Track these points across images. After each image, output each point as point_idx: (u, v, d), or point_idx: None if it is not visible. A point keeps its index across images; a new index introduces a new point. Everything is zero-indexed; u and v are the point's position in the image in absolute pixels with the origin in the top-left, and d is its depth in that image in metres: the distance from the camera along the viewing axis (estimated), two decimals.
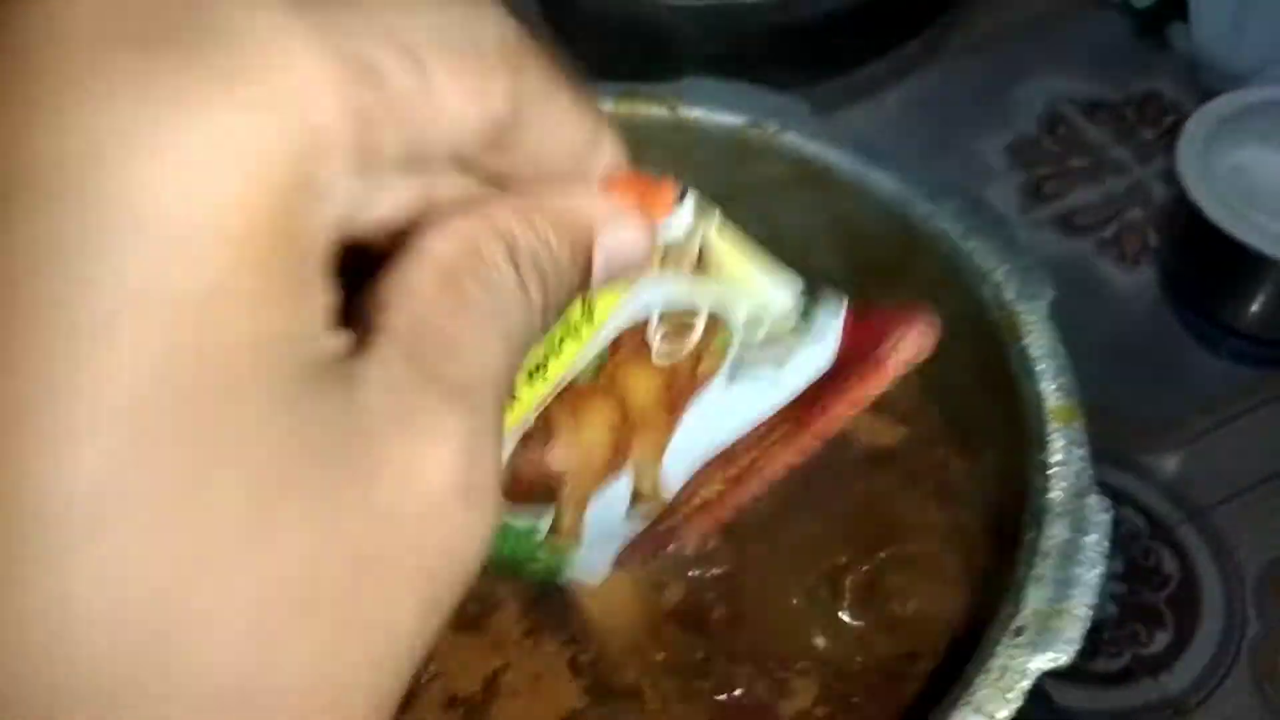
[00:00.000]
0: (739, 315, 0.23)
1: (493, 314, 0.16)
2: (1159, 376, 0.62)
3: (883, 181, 0.41)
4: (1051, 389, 0.34)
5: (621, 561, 0.29)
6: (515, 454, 0.23)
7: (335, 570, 0.13)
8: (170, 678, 0.12)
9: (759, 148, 0.43)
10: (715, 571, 0.39)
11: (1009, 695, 0.28)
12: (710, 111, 0.44)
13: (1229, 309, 0.60)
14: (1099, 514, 0.31)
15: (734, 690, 0.35)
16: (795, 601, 0.38)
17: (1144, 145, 0.71)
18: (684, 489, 0.26)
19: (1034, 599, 0.30)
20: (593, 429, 0.24)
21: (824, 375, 0.25)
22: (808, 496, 0.41)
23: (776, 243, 0.46)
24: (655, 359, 0.23)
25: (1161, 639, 0.53)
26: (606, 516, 0.26)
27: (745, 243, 0.22)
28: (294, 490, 0.13)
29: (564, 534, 0.26)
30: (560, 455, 0.24)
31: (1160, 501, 0.57)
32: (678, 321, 0.23)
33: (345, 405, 0.14)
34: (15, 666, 0.12)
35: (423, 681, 0.36)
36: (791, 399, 0.25)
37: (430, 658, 0.36)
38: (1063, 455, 0.33)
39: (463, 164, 0.17)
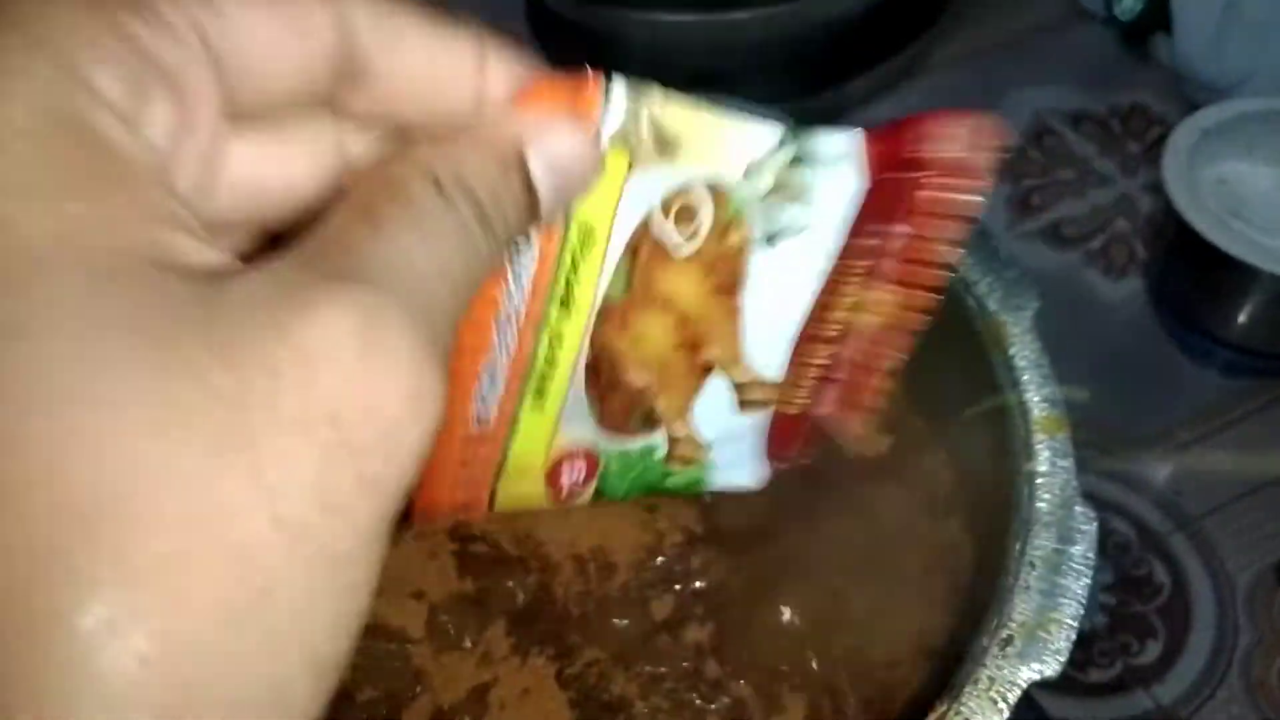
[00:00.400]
0: (734, 173, 0.22)
1: (410, 227, 0.16)
2: (1147, 387, 0.62)
3: None
4: (1036, 400, 0.34)
5: (779, 457, 0.27)
6: (591, 389, 0.23)
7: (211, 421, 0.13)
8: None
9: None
10: (703, 584, 0.38)
11: (999, 706, 0.28)
12: None
13: (1216, 320, 0.60)
14: (1085, 525, 0.31)
15: (723, 703, 0.35)
16: (785, 615, 0.38)
17: (1130, 157, 0.72)
18: (792, 365, 0.25)
19: (1021, 609, 0.30)
20: (652, 337, 0.23)
21: (890, 206, 0.23)
22: (797, 508, 0.41)
23: None
24: (676, 251, 0.22)
25: (1153, 649, 0.53)
26: (718, 417, 0.25)
27: (699, 105, 0.21)
28: (130, 365, 0.13)
29: (683, 445, 0.25)
30: (634, 369, 0.23)
31: (1150, 512, 0.58)
32: (680, 206, 0.21)
33: (201, 296, 0.14)
34: None
35: (410, 696, 0.36)
36: (847, 235, 0.23)
37: (417, 675, 0.36)
38: (1048, 466, 0.33)
39: (350, 115, 0.17)
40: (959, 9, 0.77)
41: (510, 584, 0.39)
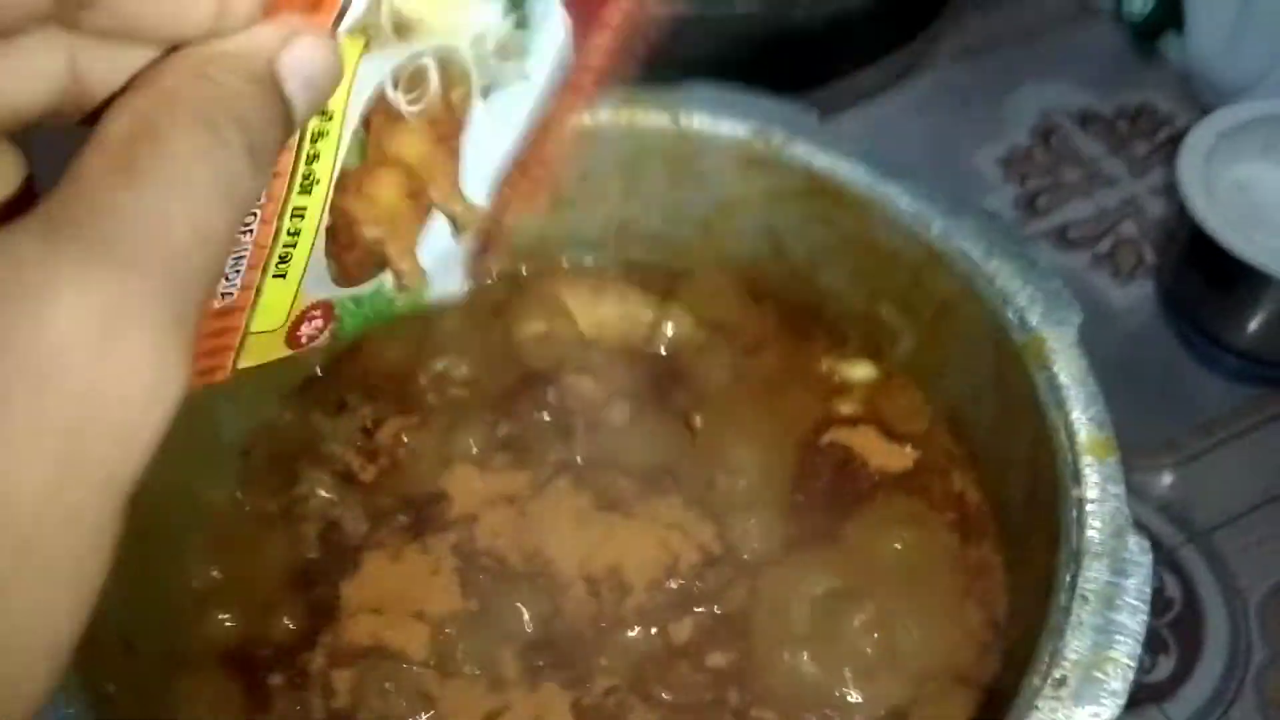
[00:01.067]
0: (462, 44, 0.24)
1: (171, 182, 0.15)
2: (1156, 394, 0.61)
3: (897, 197, 0.39)
4: (1084, 420, 0.33)
5: (474, 271, 0.30)
6: (330, 250, 0.25)
7: None
8: None
9: (765, 158, 0.41)
10: (723, 609, 0.37)
11: None
12: (714, 120, 0.42)
13: (1229, 327, 0.59)
14: (1140, 556, 0.30)
15: None
16: (809, 643, 0.36)
17: (1138, 159, 0.70)
18: (497, 193, 0.28)
19: (1075, 647, 0.28)
20: (386, 193, 0.26)
21: (584, 29, 0.27)
22: (820, 528, 0.39)
23: (781, 258, 0.44)
24: (409, 116, 0.24)
25: (1165, 666, 0.52)
26: (439, 246, 0.28)
27: None
28: None
29: (407, 276, 0.28)
30: (369, 226, 0.26)
31: (1160, 523, 0.56)
32: (409, 74, 0.24)
33: None
34: None
35: None
36: (550, 85, 0.27)
37: (422, 700, 0.34)
38: (1098, 493, 0.31)
39: (84, 31, 0.17)
40: (965, 3, 0.75)
41: (518, 604, 0.37)
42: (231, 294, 0.24)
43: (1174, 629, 0.53)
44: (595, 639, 0.36)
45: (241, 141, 0.16)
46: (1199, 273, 0.60)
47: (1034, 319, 0.35)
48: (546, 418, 0.42)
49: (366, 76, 0.22)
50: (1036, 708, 0.27)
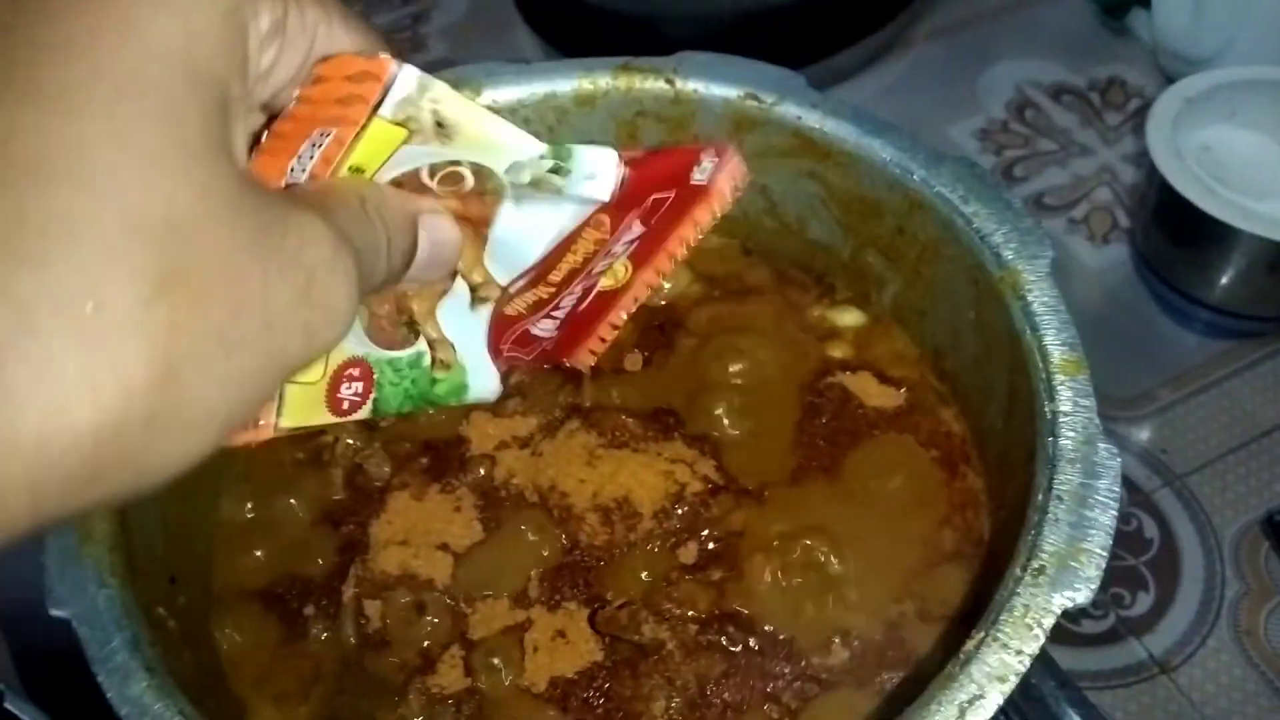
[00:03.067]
0: (499, 166, 0.26)
1: (347, 220, 0.23)
2: (1132, 350, 0.64)
3: (881, 149, 0.41)
4: (1056, 343, 0.35)
5: (497, 352, 0.32)
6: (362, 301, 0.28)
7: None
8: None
9: (757, 119, 0.44)
10: (724, 531, 0.39)
11: (1034, 631, 0.29)
12: (708, 84, 0.44)
13: (1200, 283, 0.62)
14: (1109, 460, 0.32)
15: (749, 642, 0.36)
16: (801, 566, 0.39)
17: (1110, 129, 0.73)
18: (513, 286, 0.30)
19: (1051, 541, 0.31)
20: None
21: (647, 215, 0.29)
22: (814, 463, 0.41)
23: (774, 213, 0.47)
24: (440, 193, 0.26)
25: (1144, 601, 0.55)
26: (458, 319, 0.30)
27: (479, 109, 0.25)
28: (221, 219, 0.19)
29: (439, 347, 0.30)
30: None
31: (1138, 469, 0.59)
32: (447, 172, 0.26)
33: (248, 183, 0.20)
34: None
35: (444, 642, 0.36)
36: (580, 219, 0.29)
37: (451, 620, 0.36)
38: (1070, 406, 0.34)
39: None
40: None
41: (536, 536, 0.39)
42: None
43: (1152, 567, 0.56)
44: (608, 562, 0.38)
45: (384, 233, 0.24)
46: (1170, 232, 0.62)
47: (1009, 255, 0.37)
48: (554, 366, 0.44)
49: (403, 158, 0.25)
50: (1017, 594, 0.30)
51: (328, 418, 0.28)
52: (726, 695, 0.35)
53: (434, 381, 0.30)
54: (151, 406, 0.18)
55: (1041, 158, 0.72)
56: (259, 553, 0.40)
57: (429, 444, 0.42)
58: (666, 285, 0.47)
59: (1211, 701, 0.52)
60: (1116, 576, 0.55)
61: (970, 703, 0.27)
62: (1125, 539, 0.57)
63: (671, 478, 0.40)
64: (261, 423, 0.27)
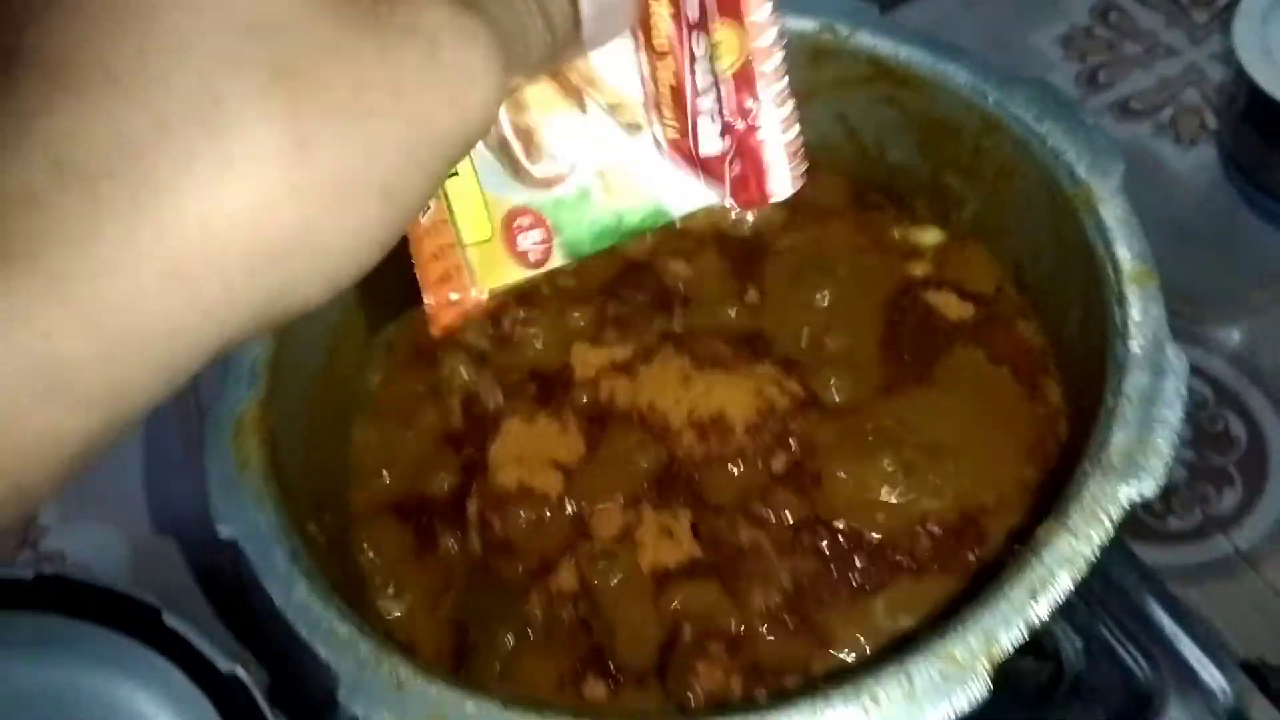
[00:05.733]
0: None
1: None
2: (1221, 253, 0.64)
3: (955, 74, 0.43)
4: (1127, 255, 0.37)
5: (721, 185, 0.28)
6: (492, 140, 0.27)
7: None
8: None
9: (833, 49, 0.45)
10: (813, 443, 0.42)
11: (1103, 522, 0.31)
12: (781, 17, 0.46)
13: None
14: (1177, 362, 0.34)
15: (839, 540, 0.39)
16: (888, 469, 0.41)
17: (1197, 27, 0.72)
18: (648, 82, 0.27)
19: (1120, 438, 0.33)
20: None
21: None
22: (898, 376, 0.44)
23: (854, 139, 0.49)
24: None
25: (1231, 498, 0.56)
26: (609, 139, 0.28)
27: None
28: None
29: (608, 175, 0.28)
30: (518, 114, 0.27)
31: (1226, 370, 0.60)
32: None
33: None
34: None
35: (564, 543, 0.40)
36: None
37: (571, 523, 0.40)
38: (1140, 313, 0.36)
39: None
40: None
41: (637, 451, 0.42)
42: (429, 207, 0.26)
43: (1240, 466, 0.57)
44: (705, 474, 0.41)
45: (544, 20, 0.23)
46: (1259, 133, 0.62)
47: (1082, 170, 0.39)
48: (648, 298, 0.47)
49: None
50: (1086, 487, 0.32)
51: (522, 272, 0.28)
52: (820, 588, 0.38)
53: (619, 215, 0.28)
54: (296, 178, 0.19)
55: (1126, 62, 0.72)
56: (389, 477, 0.44)
57: (535, 373, 0.46)
58: (751, 213, 0.49)
59: None
60: (1203, 475, 0.57)
61: (1042, 585, 0.30)
62: (1212, 439, 0.58)
63: (761, 395, 0.43)
64: (457, 297, 0.27)
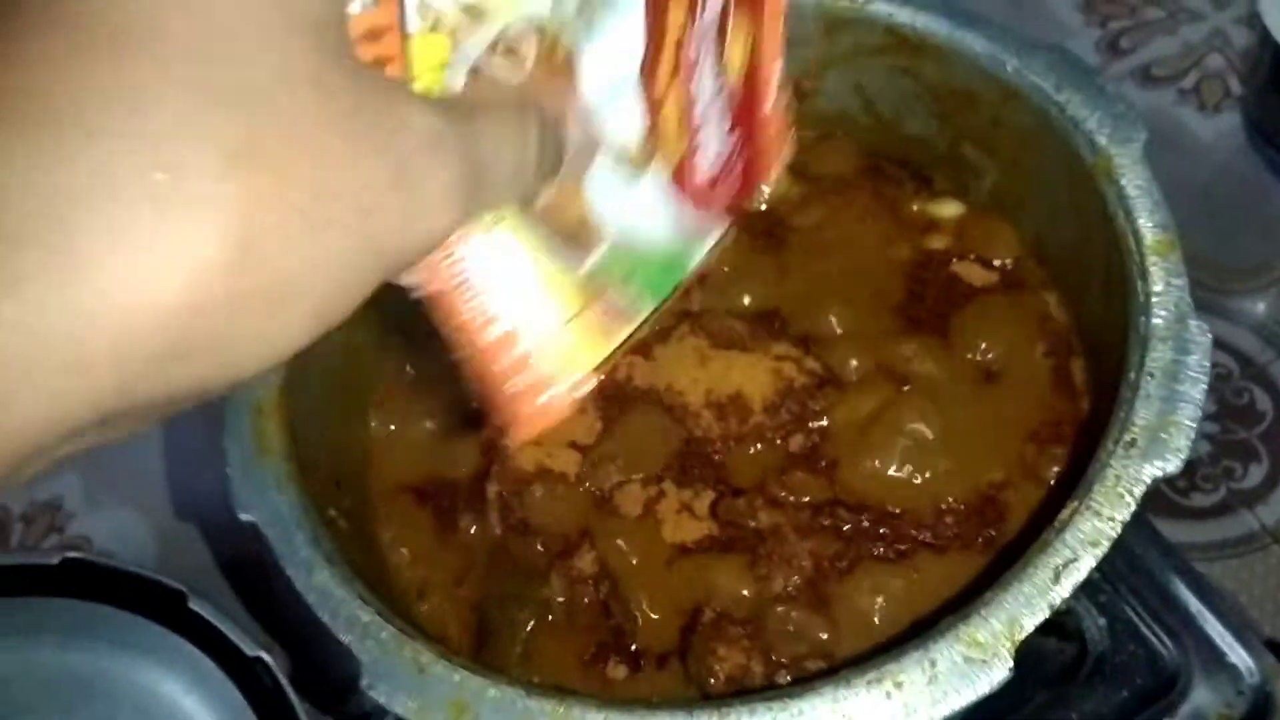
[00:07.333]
0: (542, 8, 0.24)
1: (494, 120, 0.22)
2: (1245, 221, 0.63)
3: (973, 42, 0.42)
4: (1149, 225, 0.36)
5: (718, 211, 0.30)
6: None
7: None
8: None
9: (848, 18, 0.45)
10: (829, 422, 0.42)
11: (1126, 500, 0.31)
12: None
13: None
14: (1199, 336, 0.33)
15: (860, 521, 0.39)
16: (906, 447, 0.41)
17: None
18: (647, 109, 0.27)
19: (1143, 415, 0.32)
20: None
21: None
22: (912, 335, 0.43)
23: (871, 110, 0.48)
24: (508, 82, 0.24)
25: (1256, 473, 0.56)
26: (616, 189, 0.27)
27: None
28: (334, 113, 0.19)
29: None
30: None
31: (1251, 342, 0.59)
32: (503, 48, 0.24)
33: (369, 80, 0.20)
34: None
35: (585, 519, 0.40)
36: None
37: (592, 502, 0.41)
38: (1162, 285, 0.35)
39: None
40: None
41: (655, 431, 0.42)
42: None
43: (1265, 439, 0.57)
44: (723, 454, 0.41)
45: (538, 129, 0.23)
46: None
47: (1102, 139, 0.38)
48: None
49: (457, 63, 0.22)
50: (1110, 465, 0.32)
51: (619, 334, 0.28)
52: (841, 568, 0.38)
53: (660, 268, 0.28)
54: (233, 281, 0.17)
55: (1148, 27, 0.70)
56: (409, 461, 0.44)
57: None
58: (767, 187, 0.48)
59: None
60: (1228, 449, 0.56)
61: (1065, 566, 0.30)
62: (1237, 412, 0.57)
63: (779, 374, 0.42)
64: (578, 380, 0.27)
